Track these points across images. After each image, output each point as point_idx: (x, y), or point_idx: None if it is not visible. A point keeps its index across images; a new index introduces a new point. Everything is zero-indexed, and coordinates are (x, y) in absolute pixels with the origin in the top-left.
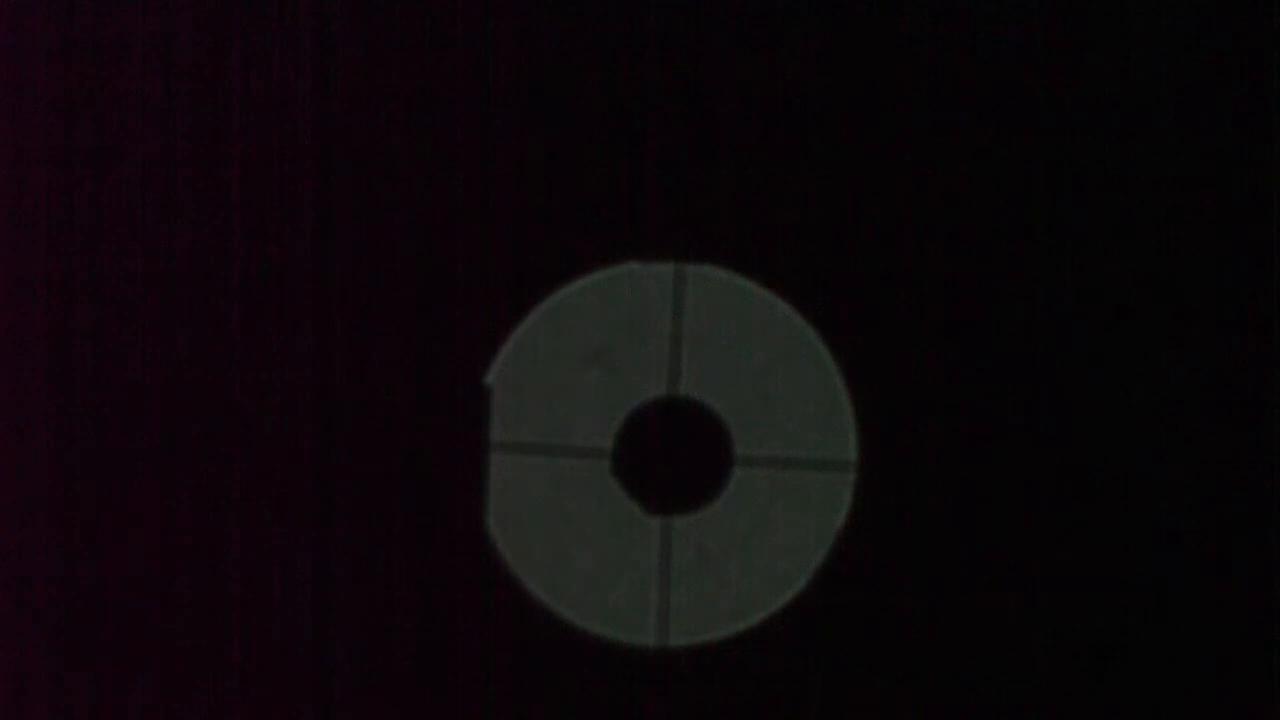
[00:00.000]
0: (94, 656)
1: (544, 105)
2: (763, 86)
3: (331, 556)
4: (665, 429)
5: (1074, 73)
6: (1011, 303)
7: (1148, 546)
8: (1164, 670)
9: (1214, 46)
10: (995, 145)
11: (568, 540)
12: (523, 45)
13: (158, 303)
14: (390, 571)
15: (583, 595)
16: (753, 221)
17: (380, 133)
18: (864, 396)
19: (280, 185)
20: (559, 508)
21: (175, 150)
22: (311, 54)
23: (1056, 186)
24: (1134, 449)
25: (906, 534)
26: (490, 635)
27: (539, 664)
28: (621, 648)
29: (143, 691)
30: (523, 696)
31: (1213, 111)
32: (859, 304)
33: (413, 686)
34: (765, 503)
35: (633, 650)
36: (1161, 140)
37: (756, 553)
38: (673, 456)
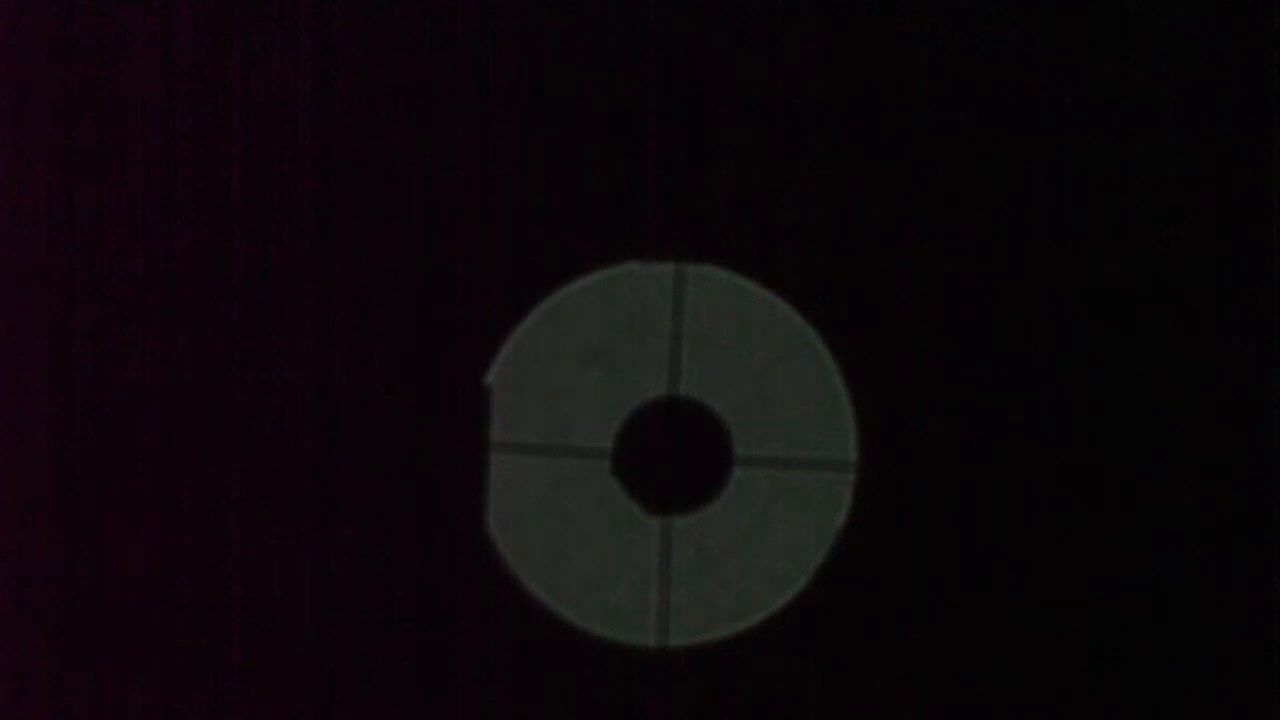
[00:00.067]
0: (94, 656)
1: (544, 105)
2: (763, 86)
3: (331, 556)
4: (665, 429)
5: (1074, 73)
6: (1011, 303)
7: (1148, 546)
8: (1164, 670)
9: (1214, 46)
10: (995, 145)
11: (568, 540)
12: (523, 45)
13: (158, 303)
14: (390, 571)
15: (583, 595)
16: (753, 221)
17: (380, 133)
18: (864, 396)
19: (280, 185)
20: (559, 508)
21: (175, 150)
22: (311, 54)
23: (1056, 186)
24: (1134, 449)
25: (906, 534)
26: (490, 635)
27: (539, 664)
28: (621, 648)
29: (143, 691)
30: (523, 696)
31: (1213, 111)
32: (859, 304)
33: (413, 686)
34: (765, 503)
35: (633, 650)
36: (1161, 140)
37: (756, 553)
38: (673, 456)
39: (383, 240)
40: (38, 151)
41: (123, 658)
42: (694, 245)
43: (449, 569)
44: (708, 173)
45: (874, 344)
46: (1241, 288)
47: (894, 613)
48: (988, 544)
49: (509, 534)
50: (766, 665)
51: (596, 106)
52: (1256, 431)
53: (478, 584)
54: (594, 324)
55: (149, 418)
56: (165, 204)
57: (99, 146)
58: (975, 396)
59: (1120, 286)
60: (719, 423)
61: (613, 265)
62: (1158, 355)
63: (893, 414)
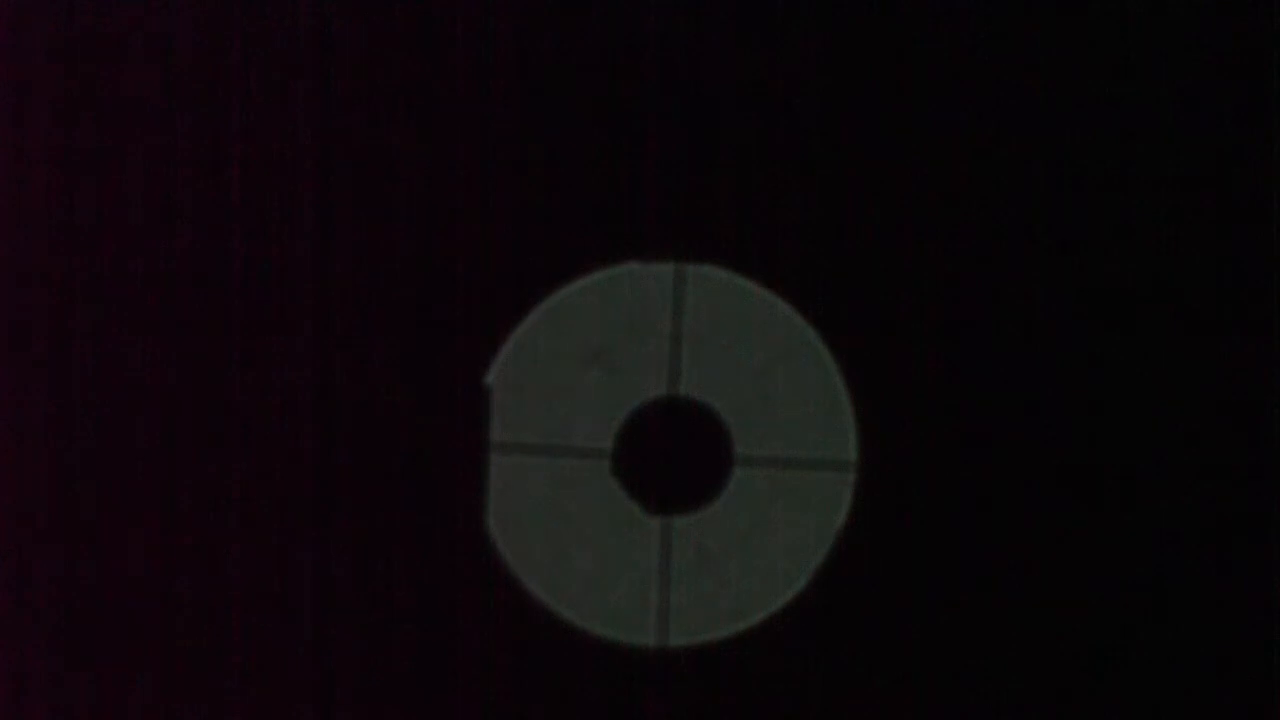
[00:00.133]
0: (94, 656)
1: (544, 105)
2: (763, 86)
3: (331, 556)
4: (665, 429)
5: (1074, 73)
6: (1011, 303)
7: (1148, 546)
8: (1164, 670)
9: (1214, 46)
10: (995, 145)
11: (568, 540)
12: (523, 45)
13: (158, 303)
14: (390, 571)
15: (583, 595)
16: (753, 221)
17: (380, 133)
18: (864, 396)
19: (280, 185)
20: (559, 508)
21: (175, 150)
22: (311, 54)
23: (1056, 186)
24: (1134, 449)
25: (906, 534)
26: (490, 635)
27: (539, 664)
28: (621, 648)
29: (143, 691)
30: (523, 696)
31: (1213, 111)
32: (859, 304)
33: (413, 686)
34: (765, 503)
35: (633, 650)
36: (1161, 140)
37: (756, 553)
38: (673, 456)
39: (383, 240)
40: (38, 151)
41: (123, 658)
42: (694, 245)
43: (449, 569)
44: (708, 173)
45: (874, 344)
46: (1241, 288)
47: (894, 613)
48: (988, 544)
49: (509, 534)
50: (766, 665)
51: (596, 106)
52: (1256, 431)
53: (478, 584)
54: (594, 324)
55: (149, 418)
56: (165, 204)
57: (99, 146)
58: (975, 396)
59: (1120, 286)
60: (719, 423)
61: (613, 265)
62: (1158, 355)
63: (893, 414)
